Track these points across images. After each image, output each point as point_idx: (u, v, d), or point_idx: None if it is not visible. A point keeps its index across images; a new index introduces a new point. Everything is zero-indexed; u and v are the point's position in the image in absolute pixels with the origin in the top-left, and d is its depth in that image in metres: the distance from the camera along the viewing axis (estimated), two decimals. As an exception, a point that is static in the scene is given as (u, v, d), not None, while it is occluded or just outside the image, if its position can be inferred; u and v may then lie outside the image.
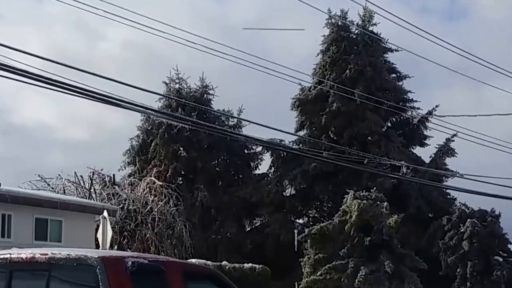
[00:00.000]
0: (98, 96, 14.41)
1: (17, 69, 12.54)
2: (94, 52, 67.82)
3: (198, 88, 43.45)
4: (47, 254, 7.26)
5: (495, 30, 69.40)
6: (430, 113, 41.50)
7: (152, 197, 36.16)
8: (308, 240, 29.69)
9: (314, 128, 42.91)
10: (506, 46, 66.47)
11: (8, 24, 65.39)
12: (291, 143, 41.67)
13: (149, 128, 43.23)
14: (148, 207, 35.56)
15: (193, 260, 22.37)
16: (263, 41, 65.22)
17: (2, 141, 65.65)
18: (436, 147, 41.97)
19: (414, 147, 43.62)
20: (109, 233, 15.74)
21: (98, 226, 18.32)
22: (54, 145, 65.61)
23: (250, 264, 23.69)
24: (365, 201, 28.72)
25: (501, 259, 35.43)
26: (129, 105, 15.50)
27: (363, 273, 27.07)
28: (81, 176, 37.88)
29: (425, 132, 42.99)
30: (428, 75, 62.80)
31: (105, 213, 15.92)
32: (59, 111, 66.24)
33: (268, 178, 43.60)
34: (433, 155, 41.86)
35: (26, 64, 12.78)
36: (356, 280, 27.18)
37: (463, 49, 23.93)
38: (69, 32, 67.62)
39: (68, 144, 64.25)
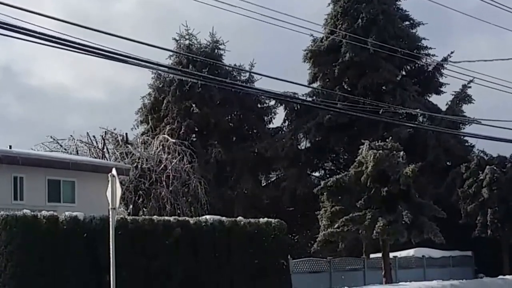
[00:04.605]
0: (109, 54, 14.46)
1: (33, 31, 12.65)
2: (109, 11, 67.53)
3: (208, 43, 42.84)
4: None
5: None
6: (445, 59, 40.73)
7: (166, 155, 35.90)
8: (325, 193, 29.27)
9: (327, 80, 42.29)
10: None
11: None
12: (304, 96, 41.19)
13: (160, 85, 42.76)
14: (162, 165, 35.33)
15: (208, 217, 22.01)
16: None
17: (20, 105, 65.83)
18: (453, 94, 41.33)
19: (430, 95, 42.93)
20: (118, 191, 15.32)
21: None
22: (71, 106, 65.83)
23: (265, 219, 23.29)
24: (381, 151, 28.16)
25: (521, 206, 35.04)
26: (139, 61, 15.27)
27: (381, 224, 26.64)
28: (94, 136, 37.70)
29: (440, 80, 42.31)
30: (448, 23, 61.87)
31: (114, 171, 15.49)
32: (76, 72, 66.35)
33: (283, 132, 43.23)
34: (449, 103, 41.20)
35: (41, 26, 12.75)
36: (374, 231, 26.78)
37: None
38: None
39: (85, 105, 64.46)
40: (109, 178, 15.52)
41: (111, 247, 15.36)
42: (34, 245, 17.30)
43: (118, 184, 15.46)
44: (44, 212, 18.08)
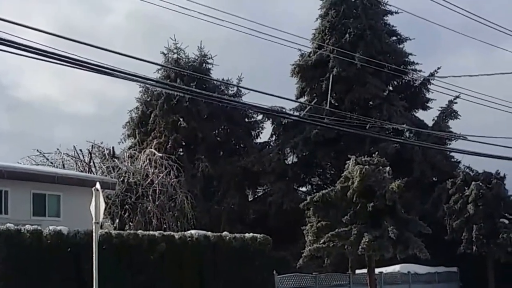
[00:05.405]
0: (95, 67, 14.41)
1: (21, 44, 12.59)
2: (100, 24, 67.71)
3: (196, 57, 42.88)
4: None
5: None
6: (432, 75, 40.91)
7: (153, 169, 35.81)
8: (311, 208, 29.27)
9: (314, 94, 42.38)
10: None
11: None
12: (292, 110, 41.21)
13: (148, 99, 42.71)
14: (149, 180, 35.23)
15: (193, 232, 22.00)
16: (263, 7, 64.69)
17: (9, 117, 65.66)
18: (439, 110, 41.50)
19: (416, 110, 43.13)
20: (102, 205, 15.30)
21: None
22: (59, 119, 65.73)
23: (251, 234, 23.30)
24: (367, 166, 28.22)
25: (507, 222, 35.18)
26: (126, 75, 15.26)
27: (367, 240, 26.65)
28: (80, 150, 37.57)
29: (427, 95, 42.51)
30: (435, 38, 62.16)
31: (98, 185, 15.46)
32: (65, 85, 66.37)
33: (270, 147, 43.19)
34: (436, 118, 41.38)
35: (29, 40, 12.78)
36: (360, 247, 26.78)
37: (472, 10, 23.25)
38: (74, 5, 67.58)
39: (73, 118, 64.38)
40: (93, 192, 15.49)
41: (94, 261, 15.30)
42: (17, 259, 17.23)
43: (102, 199, 15.43)
44: (28, 226, 18.02)
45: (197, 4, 16.77)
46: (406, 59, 42.25)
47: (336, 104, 41.49)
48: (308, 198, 30.11)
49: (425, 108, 42.98)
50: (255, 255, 22.85)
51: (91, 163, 36.80)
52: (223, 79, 42.09)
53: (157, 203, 34.58)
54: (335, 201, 28.79)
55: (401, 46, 42.80)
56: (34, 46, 12.87)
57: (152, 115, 41.87)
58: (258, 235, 23.45)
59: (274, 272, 25.21)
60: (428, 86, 41.83)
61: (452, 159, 41.04)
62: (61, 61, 13.63)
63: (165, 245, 20.35)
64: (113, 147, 38.32)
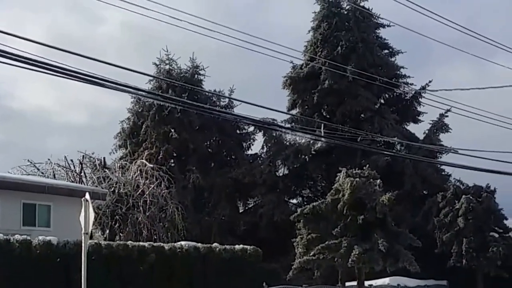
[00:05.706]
0: (87, 78, 14.38)
1: (13, 54, 12.51)
2: (93, 35, 67.72)
3: (188, 68, 42.95)
4: None
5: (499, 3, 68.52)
6: (423, 88, 41.01)
7: (144, 180, 35.75)
8: (301, 220, 29.29)
9: (306, 107, 42.45)
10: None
11: (6, 9, 65.02)
12: (283, 122, 41.24)
13: (139, 110, 42.74)
14: (140, 190, 35.15)
15: (183, 243, 21.99)
16: (258, 20, 64.86)
17: (0, 127, 65.51)
18: (430, 123, 41.58)
19: (407, 123, 43.20)
20: (92, 216, 15.27)
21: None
22: (52, 129, 65.63)
23: (241, 246, 23.32)
24: (357, 179, 28.27)
25: (497, 235, 35.20)
26: (117, 86, 15.24)
27: (357, 252, 26.67)
28: (71, 160, 37.50)
29: (418, 108, 42.58)
30: (427, 51, 62.39)
31: (87, 196, 15.45)
32: (58, 95, 66.29)
33: (261, 158, 43.19)
34: (427, 131, 41.46)
35: (22, 50, 12.76)
36: (350, 259, 26.79)
37: (466, 24, 23.39)
38: (68, 15, 67.61)
39: (66, 128, 64.30)
40: (83, 203, 15.46)
41: (83, 272, 15.25)
42: (6, 269, 17.18)
43: (91, 209, 15.40)
44: (17, 236, 17.98)
45: (189, 15, 16.81)
46: (398, 72, 42.35)
47: (328, 116, 41.58)
48: (299, 210, 30.15)
49: (416, 121, 43.07)
50: (245, 267, 22.85)
51: (82, 174, 36.72)
52: (215, 91, 42.17)
53: (147, 214, 34.50)
54: (326, 214, 28.81)
55: (393, 59, 42.92)
56: (26, 56, 12.88)
57: (144, 126, 41.88)
58: (249, 247, 23.46)
59: (264, 284, 25.20)
60: (420, 99, 41.89)
61: (443, 173, 41.11)
62: (53, 71, 13.63)
63: (155, 256, 20.33)
64: (104, 158, 38.36)
